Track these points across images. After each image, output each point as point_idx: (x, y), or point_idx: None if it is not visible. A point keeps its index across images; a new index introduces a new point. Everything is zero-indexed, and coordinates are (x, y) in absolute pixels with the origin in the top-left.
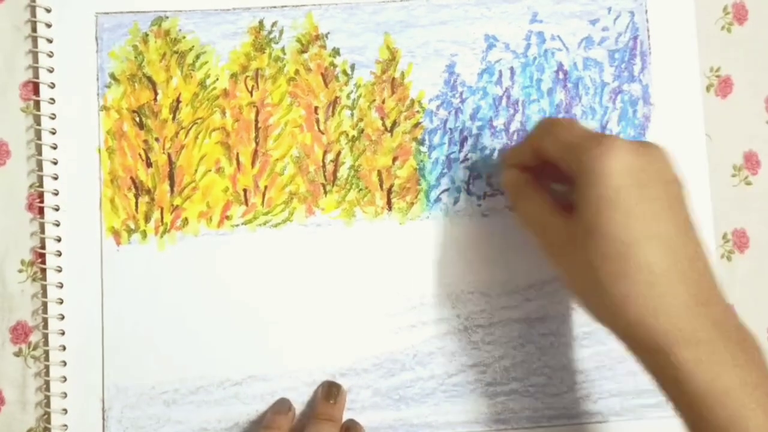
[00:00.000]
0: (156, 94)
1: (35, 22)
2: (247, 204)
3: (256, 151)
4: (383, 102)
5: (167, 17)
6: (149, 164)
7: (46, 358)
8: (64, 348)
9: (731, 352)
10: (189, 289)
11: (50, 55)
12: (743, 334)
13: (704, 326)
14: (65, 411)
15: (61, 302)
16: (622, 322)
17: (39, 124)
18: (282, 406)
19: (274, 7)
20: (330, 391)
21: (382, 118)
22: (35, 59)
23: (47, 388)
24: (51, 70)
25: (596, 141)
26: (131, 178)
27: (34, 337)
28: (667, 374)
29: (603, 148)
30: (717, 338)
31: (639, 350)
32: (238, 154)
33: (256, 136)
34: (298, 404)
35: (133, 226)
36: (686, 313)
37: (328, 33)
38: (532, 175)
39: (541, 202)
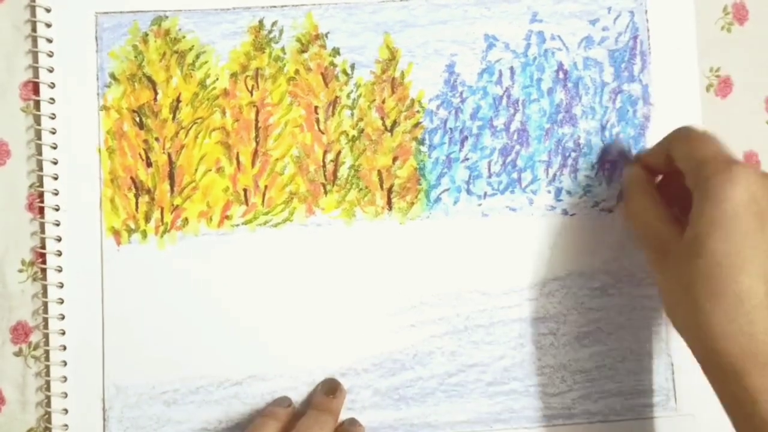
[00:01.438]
0: (156, 93)
1: (35, 22)
2: (247, 204)
3: (256, 151)
4: (383, 102)
5: (167, 17)
6: (149, 164)
7: (47, 358)
8: (65, 348)
9: None
10: (189, 289)
11: (50, 54)
12: None
13: None
14: (66, 411)
15: (62, 302)
16: (704, 342)
17: (39, 123)
18: (282, 400)
19: (274, 6)
20: (330, 387)
21: (382, 118)
22: (35, 59)
23: (48, 388)
24: (51, 70)
25: (726, 165)
26: (131, 177)
27: (35, 337)
28: (737, 398)
29: (732, 174)
30: None
31: (714, 371)
32: (238, 153)
33: (256, 136)
34: (298, 404)
35: (133, 226)
36: (766, 342)
37: (328, 33)
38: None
39: (658, 207)
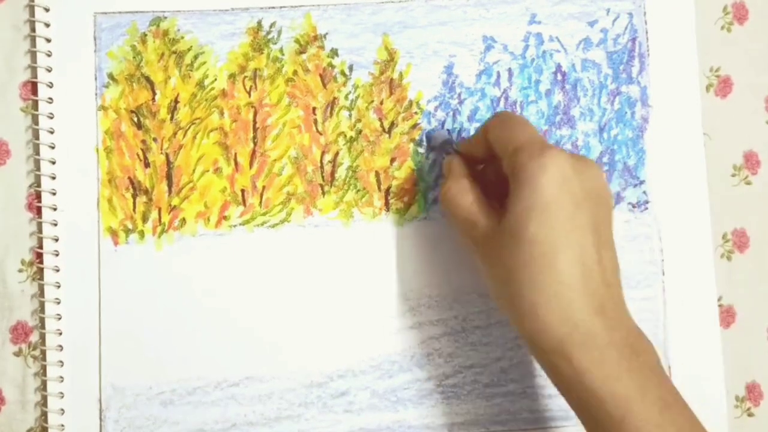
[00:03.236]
0: (154, 94)
1: (34, 22)
2: (244, 204)
3: (254, 152)
4: (381, 103)
5: (166, 17)
6: (147, 164)
7: (44, 358)
8: (62, 348)
9: (626, 358)
10: (186, 290)
11: (49, 54)
12: (642, 345)
13: (600, 334)
14: (62, 411)
15: (59, 302)
16: (530, 327)
17: (37, 123)
18: None
19: (273, 7)
20: None
21: (380, 119)
22: (34, 59)
23: (44, 388)
24: (49, 70)
25: (539, 150)
26: (129, 178)
27: (34, 337)
28: (565, 377)
29: (544, 159)
30: (611, 345)
31: (543, 355)
32: (236, 154)
33: (254, 137)
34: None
35: (130, 226)
36: (586, 322)
37: (327, 33)
38: (473, 169)
39: (474, 194)
